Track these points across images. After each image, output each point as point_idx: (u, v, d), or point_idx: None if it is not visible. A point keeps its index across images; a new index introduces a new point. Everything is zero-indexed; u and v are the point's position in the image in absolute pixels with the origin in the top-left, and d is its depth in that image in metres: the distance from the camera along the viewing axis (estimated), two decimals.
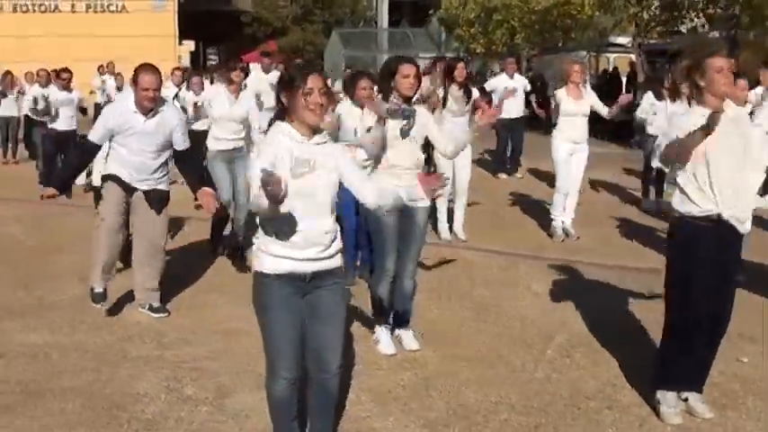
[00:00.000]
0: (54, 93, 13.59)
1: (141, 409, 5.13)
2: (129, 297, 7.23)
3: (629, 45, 26.49)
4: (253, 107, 8.98)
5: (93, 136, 6.81)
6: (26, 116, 17.72)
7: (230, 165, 8.82)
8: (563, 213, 10.27)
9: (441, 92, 9.95)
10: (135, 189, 6.82)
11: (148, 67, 6.70)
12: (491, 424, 4.96)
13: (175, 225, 9.71)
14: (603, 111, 10.02)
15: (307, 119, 3.92)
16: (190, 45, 35.35)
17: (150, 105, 6.65)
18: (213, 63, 45.65)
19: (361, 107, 6.89)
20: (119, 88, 20.48)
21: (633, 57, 25.34)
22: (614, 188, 13.86)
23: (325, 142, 4.06)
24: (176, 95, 14.30)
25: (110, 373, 5.73)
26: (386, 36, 40.00)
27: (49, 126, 13.56)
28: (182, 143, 6.91)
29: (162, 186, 6.98)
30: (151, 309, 7.01)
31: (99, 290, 6.89)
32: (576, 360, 6.00)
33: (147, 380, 5.58)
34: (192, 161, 7.24)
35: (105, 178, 6.91)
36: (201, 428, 4.89)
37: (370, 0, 41.54)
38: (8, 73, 18.41)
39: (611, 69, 26.60)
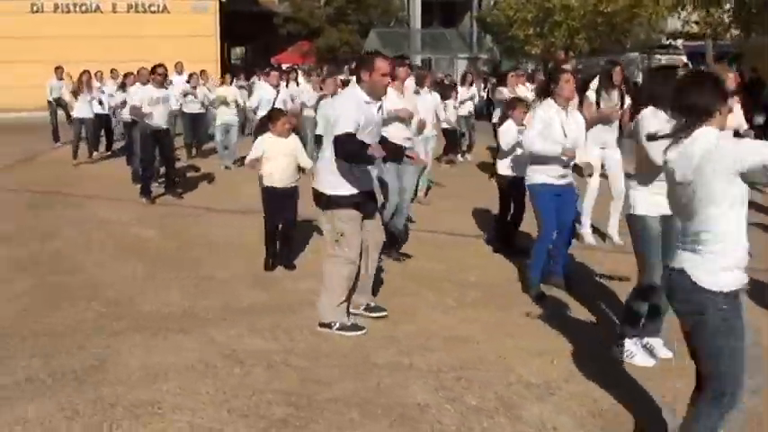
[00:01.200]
0: (150, 91, 13.37)
1: (438, 420, 4.94)
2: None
3: (681, 47, 26.47)
4: None
5: (348, 126, 6.12)
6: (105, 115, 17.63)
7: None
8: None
9: (593, 95, 9.74)
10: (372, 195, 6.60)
11: (380, 54, 6.54)
12: None
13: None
14: None
15: None
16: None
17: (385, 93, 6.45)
18: (237, 63, 45.76)
19: None
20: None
21: (684, 58, 25.37)
22: None
23: None
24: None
25: (372, 381, 5.55)
26: (418, 37, 39.96)
27: (148, 123, 13.16)
28: None
29: None
30: (368, 309, 6.82)
31: (348, 323, 6.60)
32: None
33: (417, 388, 5.40)
34: None
35: (339, 201, 6.39)
36: None
37: (402, 0, 41.42)
38: (85, 73, 18.17)
39: None
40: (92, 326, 6.79)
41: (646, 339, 5.98)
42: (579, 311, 7.20)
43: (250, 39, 42.37)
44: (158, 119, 12.92)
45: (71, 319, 6.99)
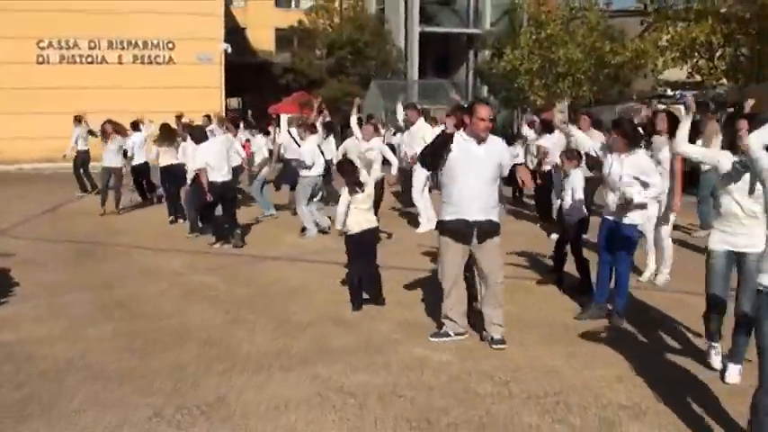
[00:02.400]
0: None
1: None
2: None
3: (678, 96, 27.36)
4: None
5: None
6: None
7: None
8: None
9: None
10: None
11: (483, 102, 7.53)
12: None
13: None
14: None
15: None
16: None
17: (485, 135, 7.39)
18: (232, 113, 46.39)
19: None
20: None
21: (683, 108, 26.20)
22: None
23: None
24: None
25: (481, 408, 6.14)
26: (416, 87, 40.90)
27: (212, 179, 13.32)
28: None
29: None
30: (492, 341, 7.47)
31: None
32: None
33: (525, 413, 6.01)
34: None
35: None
36: None
37: (399, 53, 42.40)
38: (109, 122, 18.64)
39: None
40: (195, 366, 7.31)
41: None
42: (639, 339, 7.87)
43: (246, 90, 42.92)
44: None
45: (172, 360, 7.51)
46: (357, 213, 9.06)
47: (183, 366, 7.30)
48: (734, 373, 6.64)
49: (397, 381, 6.80)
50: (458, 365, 7.16)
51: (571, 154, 10.11)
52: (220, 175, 13.31)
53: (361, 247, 9.13)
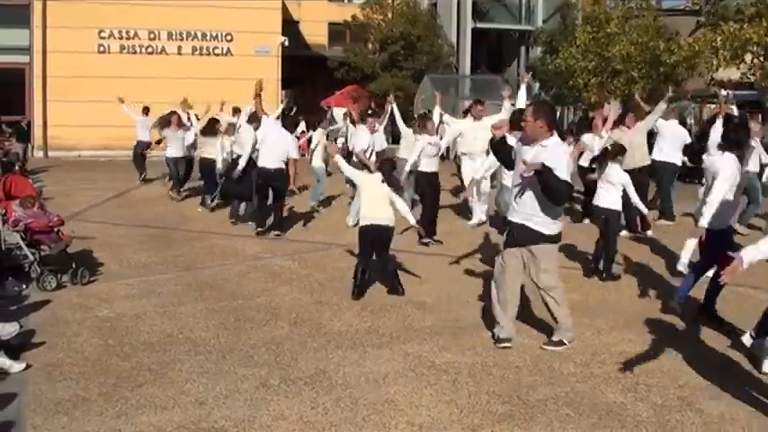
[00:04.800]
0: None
1: (637, 414, 6.07)
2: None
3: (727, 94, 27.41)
4: None
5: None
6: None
7: None
8: None
9: None
10: None
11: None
12: None
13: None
14: None
15: None
16: None
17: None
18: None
19: None
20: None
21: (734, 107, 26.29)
22: None
23: None
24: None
25: (567, 386, 6.62)
26: (467, 82, 41.17)
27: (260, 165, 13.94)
28: None
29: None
30: (553, 343, 7.75)
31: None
32: None
33: (608, 391, 6.46)
34: None
35: None
36: None
37: (451, 48, 42.69)
38: (173, 113, 19.26)
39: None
40: (291, 342, 7.81)
41: None
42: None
43: (298, 83, 43.28)
44: None
45: (268, 336, 8.02)
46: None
47: (279, 342, 7.81)
48: None
49: (485, 361, 7.27)
50: (538, 349, 7.60)
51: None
52: (270, 161, 13.76)
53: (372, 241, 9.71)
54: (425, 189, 13.34)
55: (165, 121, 19.44)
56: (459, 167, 15.91)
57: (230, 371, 7.04)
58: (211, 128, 17.23)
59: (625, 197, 10.81)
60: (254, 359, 7.35)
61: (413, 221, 9.92)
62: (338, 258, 11.86)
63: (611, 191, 10.57)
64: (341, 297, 9.53)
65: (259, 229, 13.78)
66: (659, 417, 6.02)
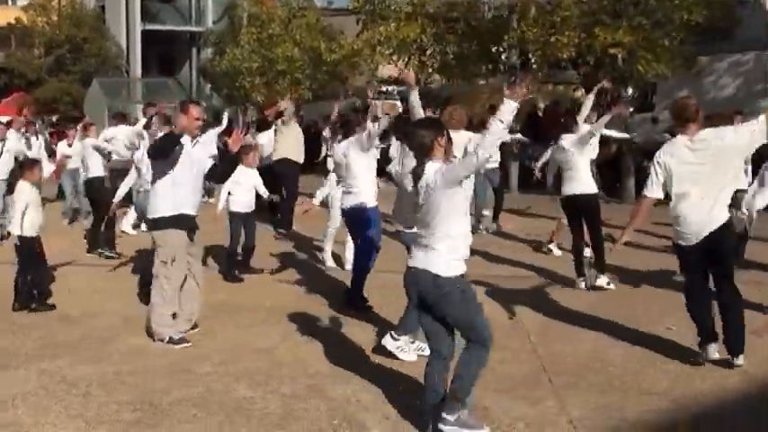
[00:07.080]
0: None
1: None
2: None
3: (395, 92, 28.96)
4: None
5: None
6: None
7: None
8: None
9: None
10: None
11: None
12: None
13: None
14: None
15: None
16: None
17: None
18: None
19: None
20: None
21: (398, 102, 27.82)
22: None
23: None
24: None
25: (210, 386, 6.69)
26: (139, 85, 40.53)
27: None
28: None
29: None
30: (171, 341, 7.87)
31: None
32: None
33: (244, 390, 6.62)
34: None
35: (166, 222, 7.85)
36: None
37: (120, 50, 41.75)
38: None
39: None
40: None
41: None
42: None
43: None
44: None
45: None
46: None
47: None
48: None
49: (119, 369, 7.19)
50: (178, 352, 7.69)
51: None
52: None
53: None
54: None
55: None
56: None
57: None
58: None
59: None
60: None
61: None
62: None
63: None
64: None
65: None
66: (286, 407, 6.24)
